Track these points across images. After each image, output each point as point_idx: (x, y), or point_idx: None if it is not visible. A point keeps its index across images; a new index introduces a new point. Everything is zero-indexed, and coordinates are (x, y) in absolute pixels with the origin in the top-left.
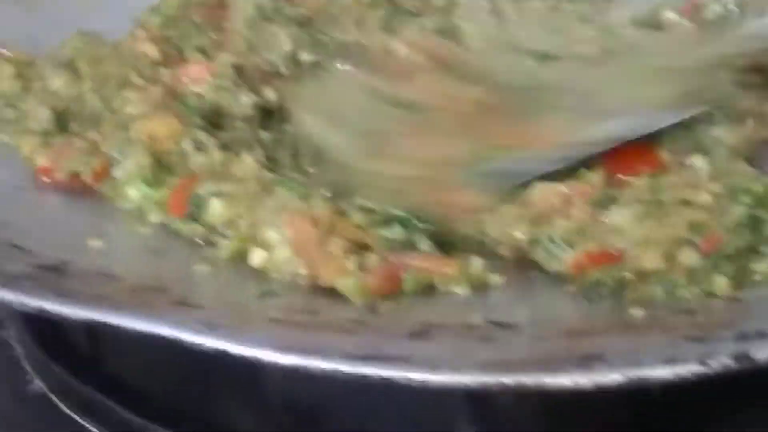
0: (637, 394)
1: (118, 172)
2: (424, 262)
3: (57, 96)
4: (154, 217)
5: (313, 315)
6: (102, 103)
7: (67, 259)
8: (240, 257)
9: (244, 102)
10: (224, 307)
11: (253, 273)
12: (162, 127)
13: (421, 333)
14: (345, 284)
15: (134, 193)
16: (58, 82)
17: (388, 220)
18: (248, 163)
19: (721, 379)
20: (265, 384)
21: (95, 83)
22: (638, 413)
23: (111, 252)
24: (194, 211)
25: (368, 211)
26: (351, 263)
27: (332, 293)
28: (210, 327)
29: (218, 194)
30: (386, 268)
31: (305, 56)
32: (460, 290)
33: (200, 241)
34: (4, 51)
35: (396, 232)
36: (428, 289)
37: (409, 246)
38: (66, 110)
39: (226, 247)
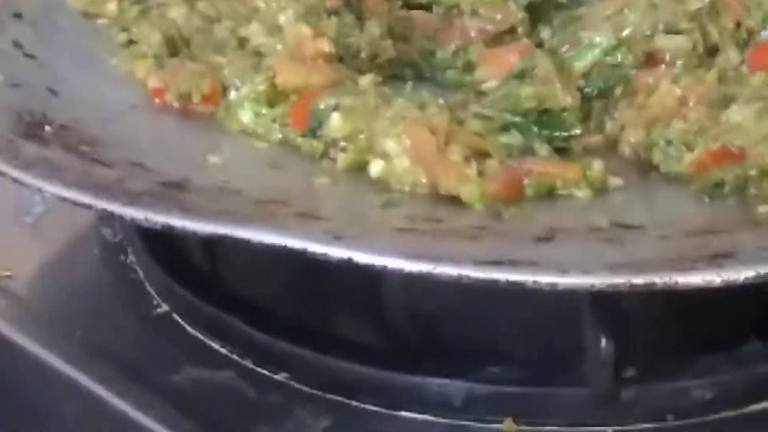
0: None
1: (233, 95)
2: (545, 166)
3: (174, 23)
4: (273, 135)
5: (437, 222)
6: (229, 33)
7: (188, 176)
8: (359, 168)
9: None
10: (348, 218)
11: (374, 184)
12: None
13: (548, 237)
14: (466, 191)
15: (247, 114)
16: (177, 11)
17: (505, 126)
18: (368, 77)
19: None
20: (385, 296)
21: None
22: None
23: (230, 167)
24: (315, 126)
25: (485, 118)
26: (471, 170)
27: (454, 201)
28: (336, 237)
29: (338, 108)
30: (507, 173)
31: None
32: (582, 193)
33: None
34: None
35: (514, 138)
36: (550, 194)
37: (528, 151)
38: (179, 36)
39: (343, 159)
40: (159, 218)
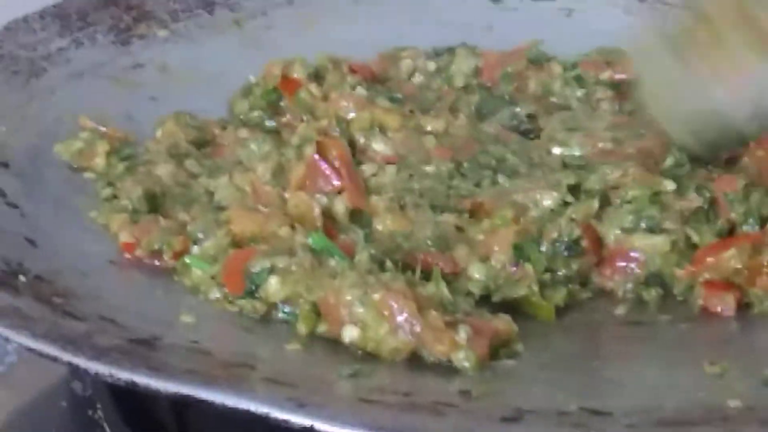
0: None
1: (195, 250)
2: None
3: (158, 181)
4: (212, 294)
5: (404, 396)
6: (204, 189)
7: (158, 334)
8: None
9: None
10: (315, 386)
11: (347, 351)
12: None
13: (514, 418)
14: (459, 357)
15: (196, 271)
16: (164, 169)
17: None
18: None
19: None
20: None
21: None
22: None
23: (202, 327)
24: (251, 289)
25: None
26: (460, 336)
27: (426, 370)
28: (300, 404)
29: (274, 270)
30: (484, 335)
31: None
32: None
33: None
34: (101, 127)
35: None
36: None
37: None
38: (161, 193)
39: (302, 325)
40: (124, 375)
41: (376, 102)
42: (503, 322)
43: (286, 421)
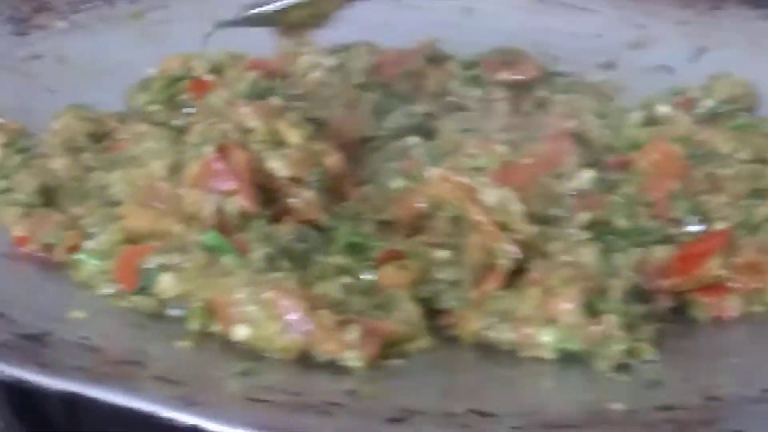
0: None
1: (88, 245)
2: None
3: (53, 174)
4: (104, 289)
5: (294, 395)
6: (98, 183)
7: (49, 329)
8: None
9: None
10: (204, 383)
11: (237, 349)
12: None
13: (400, 418)
14: (350, 357)
15: (87, 266)
16: (59, 162)
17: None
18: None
19: None
20: None
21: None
22: None
23: (93, 324)
24: (144, 285)
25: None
26: (351, 335)
27: (315, 369)
28: (188, 403)
29: (166, 268)
30: (375, 335)
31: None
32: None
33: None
34: None
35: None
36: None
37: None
38: (56, 187)
39: (194, 322)
40: (13, 372)
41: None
42: (396, 323)
43: (171, 420)
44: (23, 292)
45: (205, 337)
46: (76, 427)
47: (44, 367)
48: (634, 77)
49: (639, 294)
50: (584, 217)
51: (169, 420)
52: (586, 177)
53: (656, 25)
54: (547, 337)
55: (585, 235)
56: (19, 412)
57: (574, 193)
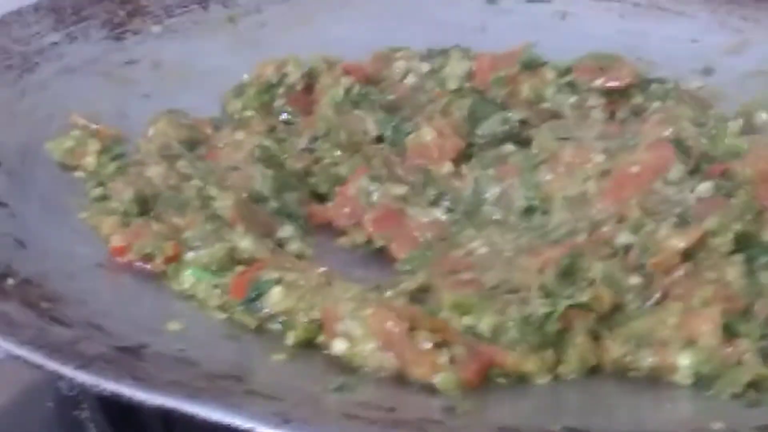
0: None
1: (188, 257)
2: (506, 356)
3: (150, 182)
4: (212, 301)
5: (389, 411)
6: (195, 193)
7: (145, 342)
8: (311, 345)
9: None
10: (300, 398)
11: (332, 362)
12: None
13: None
14: (441, 380)
15: (189, 277)
16: (155, 170)
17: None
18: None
19: None
20: None
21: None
22: None
23: (189, 336)
24: (253, 297)
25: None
26: (443, 358)
27: (411, 386)
28: (285, 419)
29: (280, 282)
30: (476, 360)
31: None
32: (541, 380)
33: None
34: (93, 125)
35: (486, 324)
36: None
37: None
38: (152, 195)
39: (293, 335)
40: (109, 385)
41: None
42: (504, 353)
43: None
44: (120, 304)
45: (301, 351)
46: None
47: (139, 380)
48: (731, 83)
49: None
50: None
51: None
52: (703, 187)
53: (754, 29)
54: (685, 361)
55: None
56: (117, 425)
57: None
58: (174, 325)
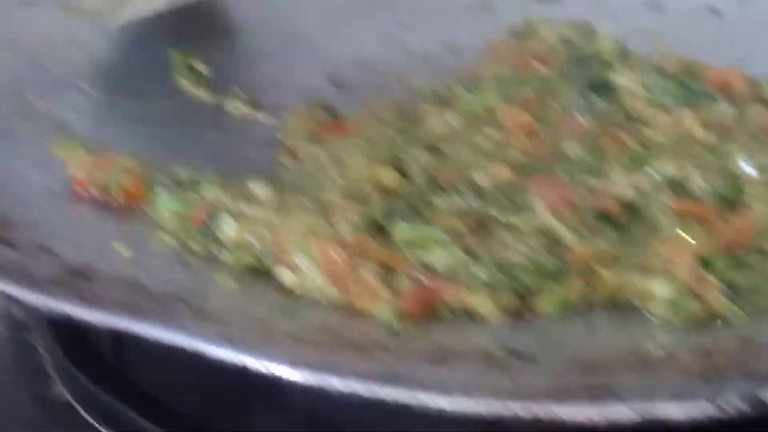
0: None
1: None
2: (457, 291)
3: None
4: (172, 227)
5: (335, 335)
6: None
7: (95, 265)
8: (261, 274)
9: None
10: (247, 322)
11: (280, 289)
12: None
13: (440, 359)
14: (379, 309)
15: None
16: None
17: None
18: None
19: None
20: (287, 401)
21: None
22: None
23: (139, 260)
24: (209, 226)
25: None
26: (384, 288)
27: (357, 313)
28: (230, 341)
29: (234, 214)
30: (419, 292)
31: None
32: (493, 319)
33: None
34: None
35: (441, 258)
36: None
37: (454, 273)
38: None
39: (237, 260)
40: (58, 306)
41: None
42: (457, 289)
43: (217, 358)
44: (71, 229)
45: (251, 279)
46: (123, 364)
47: (87, 301)
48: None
49: None
50: None
51: (213, 357)
52: None
53: None
54: (660, 290)
55: None
56: (68, 349)
57: None
58: (125, 251)
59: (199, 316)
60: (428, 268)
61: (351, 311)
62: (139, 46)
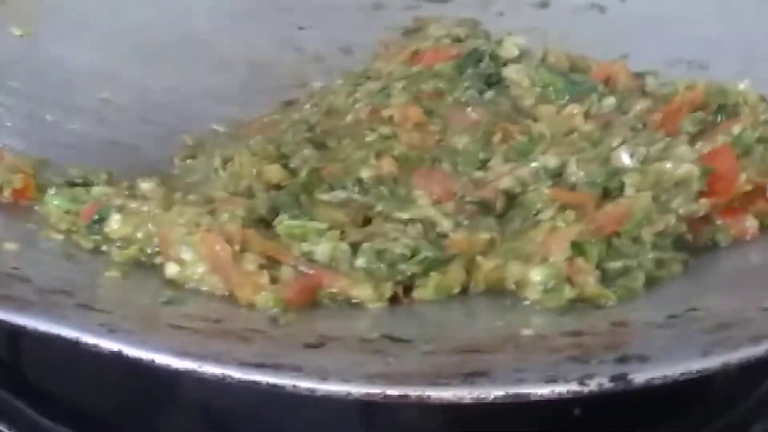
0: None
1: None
2: (337, 280)
3: None
4: (62, 224)
5: (214, 323)
6: None
7: None
8: (145, 266)
9: None
10: (127, 312)
11: (165, 281)
12: None
13: (317, 344)
14: (260, 299)
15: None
16: None
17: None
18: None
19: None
20: (178, 390)
21: None
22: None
23: (24, 255)
24: (96, 221)
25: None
26: (264, 278)
27: (240, 303)
28: (110, 329)
29: (120, 209)
30: (300, 281)
31: None
32: (372, 306)
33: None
34: None
35: (319, 247)
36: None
37: (333, 261)
38: None
39: (119, 253)
40: None
41: None
42: (336, 276)
43: (96, 346)
44: None
45: (135, 271)
46: (17, 358)
47: None
48: (564, 16)
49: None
50: None
51: (93, 346)
52: None
53: None
54: (537, 276)
55: None
56: None
57: None
58: (10, 245)
59: (81, 307)
60: (310, 259)
61: (234, 301)
62: None
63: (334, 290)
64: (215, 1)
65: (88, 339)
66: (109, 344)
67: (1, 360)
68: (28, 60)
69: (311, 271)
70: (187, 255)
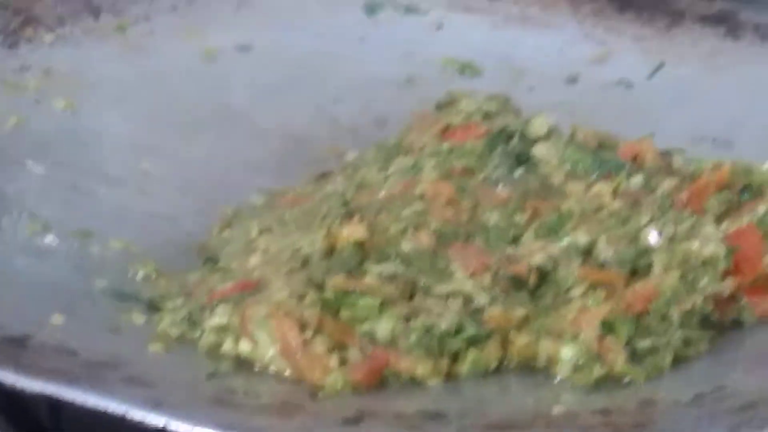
0: None
1: None
2: (400, 359)
3: None
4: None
5: (255, 397)
6: None
7: (30, 333)
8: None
9: None
10: (173, 386)
11: (205, 353)
12: None
13: (354, 420)
14: (329, 382)
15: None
16: None
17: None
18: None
19: None
20: None
21: None
22: None
23: (71, 328)
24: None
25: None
26: (333, 361)
27: (307, 385)
28: (157, 403)
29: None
30: (369, 362)
31: None
32: (432, 382)
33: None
34: None
35: (385, 328)
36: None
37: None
38: None
39: (205, 338)
40: None
41: None
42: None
43: (141, 421)
44: (7, 297)
45: (177, 343)
46: (59, 423)
47: (22, 368)
48: (593, 92)
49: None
50: None
51: (139, 421)
52: None
53: (616, 41)
54: (566, 353)
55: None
56: (12, 417)
57: None
58: (57, 318)
59: (126, 380)
60: (372, 338)
61: (301, 383)
62: None
63: (398, 369)
64: (252, 73)
65: (135, 414)
66: (155, 419)
67: (44, 428)
68: (70, 132)
69: (377, 352)
70: (259, 336)
